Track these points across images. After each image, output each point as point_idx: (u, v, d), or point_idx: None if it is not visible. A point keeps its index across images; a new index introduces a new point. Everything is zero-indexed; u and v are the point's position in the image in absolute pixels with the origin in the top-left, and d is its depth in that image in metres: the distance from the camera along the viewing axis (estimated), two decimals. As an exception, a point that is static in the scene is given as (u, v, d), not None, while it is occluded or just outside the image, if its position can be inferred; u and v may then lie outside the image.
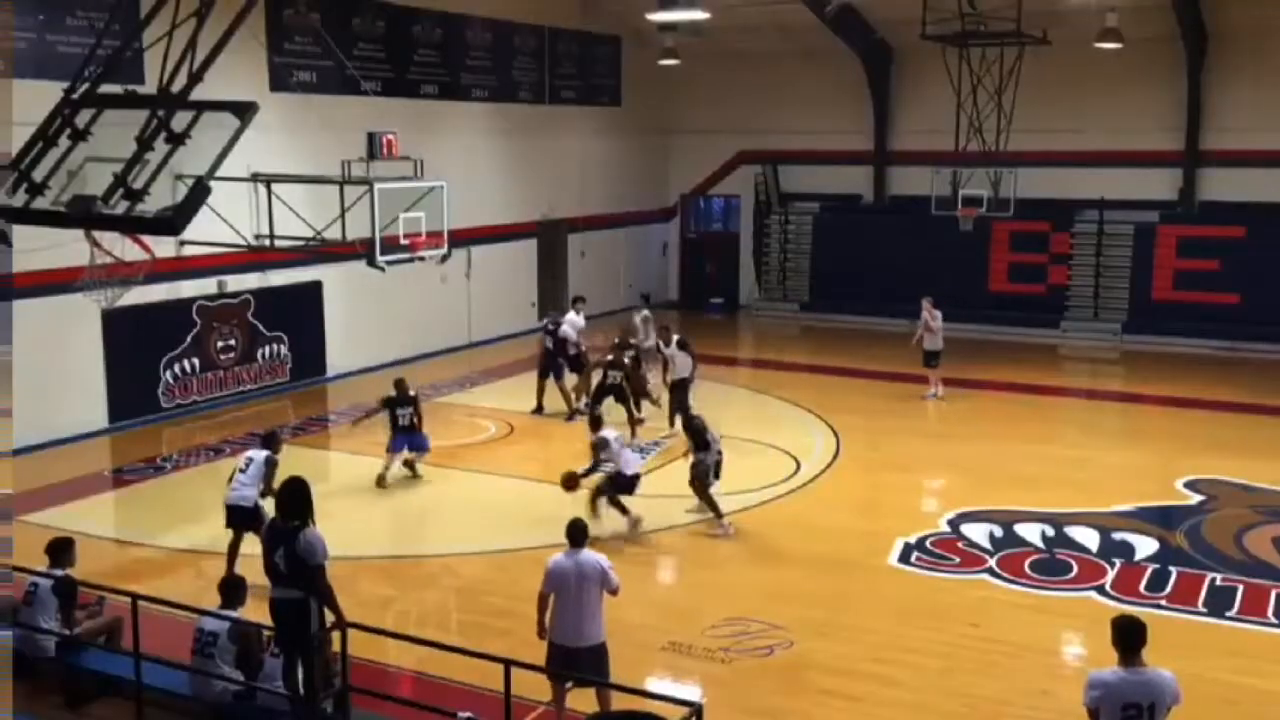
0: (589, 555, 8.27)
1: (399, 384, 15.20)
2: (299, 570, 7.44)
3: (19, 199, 7.19)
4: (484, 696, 8.05)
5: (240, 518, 11.15)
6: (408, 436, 14.91)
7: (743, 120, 28.47)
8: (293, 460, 15.74)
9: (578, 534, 8.36)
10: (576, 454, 15.23)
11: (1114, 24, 22.23)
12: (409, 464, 15.03)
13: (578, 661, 8.09)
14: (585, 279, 27.23)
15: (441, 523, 13.72)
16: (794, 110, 27.84)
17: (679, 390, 16.60)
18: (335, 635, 7.68)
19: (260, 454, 11.41)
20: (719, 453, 13.20)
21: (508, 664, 7.21)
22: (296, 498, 7.57)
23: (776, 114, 27.98)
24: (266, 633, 8.08)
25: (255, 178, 17.33)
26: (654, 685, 8.97)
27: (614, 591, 8.30)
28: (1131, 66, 24.15)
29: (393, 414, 14.88)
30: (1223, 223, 24.76)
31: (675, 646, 9.99)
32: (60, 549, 8.91)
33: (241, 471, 11.30)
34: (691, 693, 8.78)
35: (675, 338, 16.87)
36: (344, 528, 12.50)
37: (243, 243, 17.31)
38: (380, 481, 14.52)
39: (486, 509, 14.33)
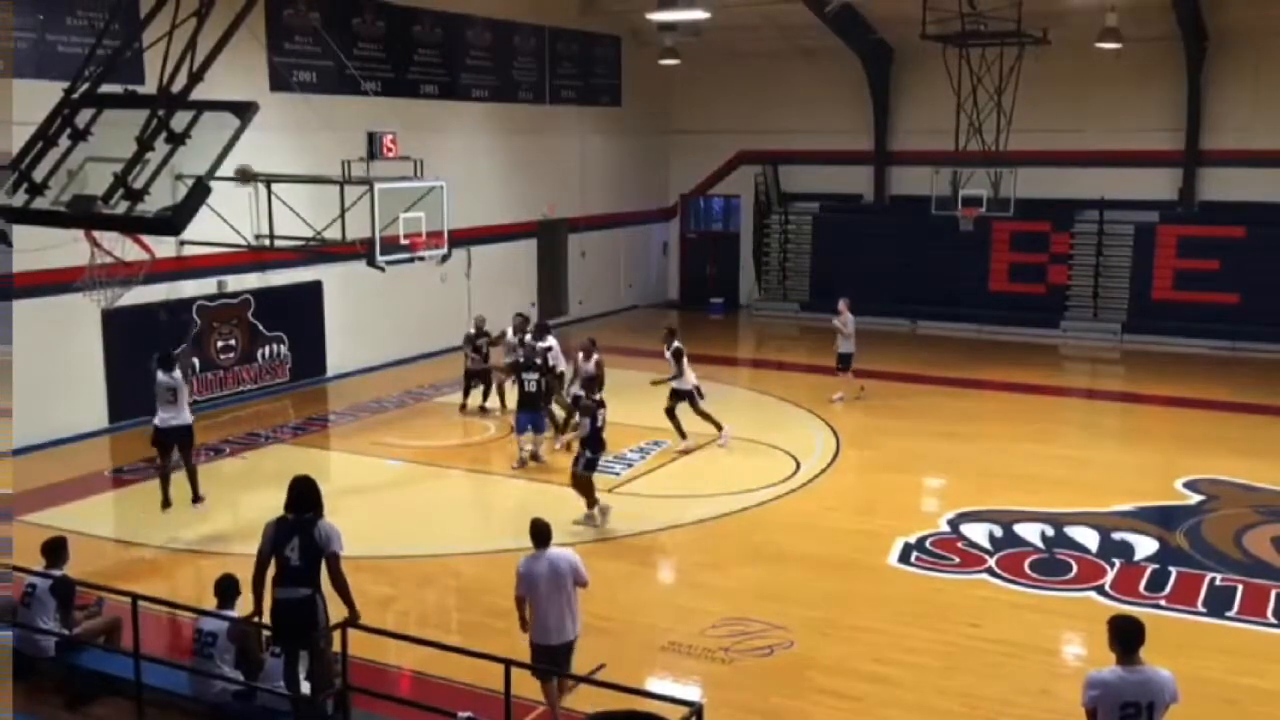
0: (558, 553, 8.32)
1: (525, 346, 15.40)
2: (313, 561, 7.49)
3: (19, 199, 7.19)
4: (484, 696, 8.06)
5: (180, 436, 12.62)
6: (531, 415, 15.06)
7: (743, 120, 28.47)
8: (292, 460, 15.79)
9: (542, 534, 8.37)
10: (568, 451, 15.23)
11: (1114, 24, 22.24)
12: (534, 455, 15.19)
13: (557, 659, 8.17)
14: (585, 279, 27.28)
15: (441, 522, 13.71)
16: (794, 110, 27.85)
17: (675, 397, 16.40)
18: (334, 635, 7.69)
19: (175, 376, 12.58)
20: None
21: (508, 664, 7.21)
22: (308, 493, 7.65)
23: (776, 114, 27.98)
24: (266, 633, 8.08)
25: (255, 177, 17.31)
26: (654, 685, 8.97)
27: (584, 584, 8.36)
28: (1131, 66, 24.16)
29: (519, 379, 15.16)
30: (1223, 223, 24.77)
31: (675, 646, 10.00)
32: (55, 549, 8.92)
33: (171, 404, 12.49)
34: (692, 693, 8.79)
35: (674, 344, 16.51)
36: (344, 527, 12.48)
37: (243, 243, 17.31)
38: (522, 464, 15.12)
39: (486, 508, 14.35)
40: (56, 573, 8.72)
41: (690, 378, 16.29)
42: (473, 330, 18.07)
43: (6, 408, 11.63)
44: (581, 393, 14.37)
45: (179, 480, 13.09)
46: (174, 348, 13.26)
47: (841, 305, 19.35)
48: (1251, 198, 24.47)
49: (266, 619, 8.00)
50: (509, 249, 24.58)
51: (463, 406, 18.16)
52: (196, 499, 12.81)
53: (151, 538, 12.72)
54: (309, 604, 7.49)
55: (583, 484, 13.03)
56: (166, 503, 12.68)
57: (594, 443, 12.99)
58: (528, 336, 16.75)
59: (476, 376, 18.05)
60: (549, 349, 16.32)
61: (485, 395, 18.06)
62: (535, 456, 15.34)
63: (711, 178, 30.34)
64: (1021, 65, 21.56)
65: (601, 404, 13.16)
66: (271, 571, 7.65)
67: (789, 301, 28.60)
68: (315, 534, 7.50)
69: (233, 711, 7.96)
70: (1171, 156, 25.26)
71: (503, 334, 17.81)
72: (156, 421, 12.62)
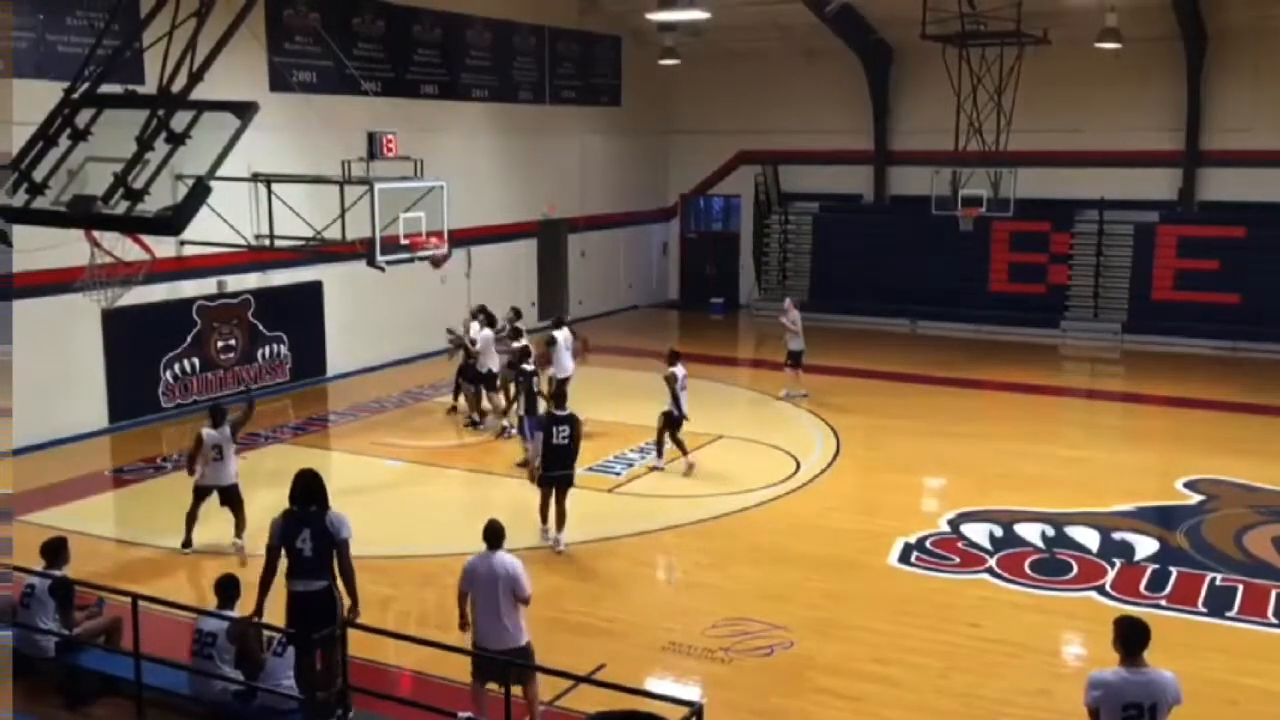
0: (502, 558, 8.06)
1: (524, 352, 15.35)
2: (326, 551, 7.60)
3: (19, 199, 7.18)
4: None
5: (225, 494, 12.15)
6: (533, 421, 14.54)
7: (743, 120, 28.46)
8: (292, 460, 15.75)
9: (493, 536, 8.20)
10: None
11: (1114, 24, 22.24)
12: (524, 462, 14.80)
13: (496, 664, 7.90)
14: (585, 279, 27.27)
15: (441, 522, 13.70)
16: (794, 110, 27.84)
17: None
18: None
19: (224, 432, 12.09)
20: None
21: (508, 664, 7.21)
22: (314, 487, 7.78)
23: (776, 114, 27.98)
24: (267, 633, 8.09)
25: (255, 178, 17.33)
26: (654, 685, 8.97)
27: (523, 600, 8.05)
28: (1131, 66, 24.15)
29: (526, 383, 15.06)
30: (1223, 223, 24.78)
31: (675, 646, 9.99)
32: (55, 550, 8.91)
33: (216, 460, 12.04)
34: (692, 693, 8.79)
35: (549, 334, 16.73)
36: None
37: (243, 243, 17.31)
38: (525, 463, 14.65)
39: (486, 508, 14.28)
40: (56, 573, 8.72)
41: (567, 365, 16.46)
42: (461, 330, 18.02)
43: (6, 407, 11.63)
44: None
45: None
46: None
47: (787, 304, 19.68)
48: (1251, 198, 24.48)
49: (268, 618, 8.04)
50: (509, 249, 24.58)
51: (452, 408, 18.09)
52: (239, 537, 12.15)
53: (151, 538, 12.72)
54: (326, 595, 7.62)
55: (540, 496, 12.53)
56: (187, 543, 12.11)
57: (546, 459, 12.24)
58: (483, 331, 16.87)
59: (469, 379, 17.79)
60: (525, 349, 16.26)
61: (477, 402, 17.57)
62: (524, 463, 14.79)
63: (711, 178, 30.34)
64: (1021, 65, 21.57)
65: (560, 420, 12.24)
66: (282, 566, 7.71)
67: (788, 301, 28.58)
68: (326, 524, 7.64)
69: (232, 711, 7.96)
70: (1171, 156, 25.26)
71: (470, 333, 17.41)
72: (199, 479, 12.10)
